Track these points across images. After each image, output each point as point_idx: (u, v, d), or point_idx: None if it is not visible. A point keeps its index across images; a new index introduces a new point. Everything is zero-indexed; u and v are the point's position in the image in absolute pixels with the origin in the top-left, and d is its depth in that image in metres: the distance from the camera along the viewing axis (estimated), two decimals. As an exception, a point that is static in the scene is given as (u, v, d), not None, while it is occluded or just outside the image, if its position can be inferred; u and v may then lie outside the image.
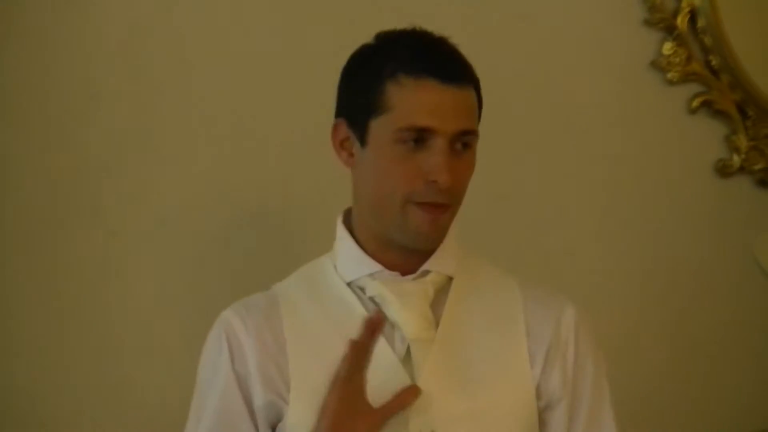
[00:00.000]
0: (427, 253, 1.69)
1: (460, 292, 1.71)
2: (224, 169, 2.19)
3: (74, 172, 2.12)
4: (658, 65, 2.43)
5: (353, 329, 1.59)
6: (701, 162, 2.49)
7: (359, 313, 1.66)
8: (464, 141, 1.63)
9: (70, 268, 2.12)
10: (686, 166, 2.48)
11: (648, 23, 2.42)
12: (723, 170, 2.49)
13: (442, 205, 1.63)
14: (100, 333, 2.13)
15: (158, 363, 2.15)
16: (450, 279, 1.71)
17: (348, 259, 1.71)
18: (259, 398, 1.66)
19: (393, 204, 1.63)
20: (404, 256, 1.68)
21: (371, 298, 1.68)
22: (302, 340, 1.68)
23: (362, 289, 1.69)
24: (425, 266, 1.69)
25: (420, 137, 1.61)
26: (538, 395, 1.69)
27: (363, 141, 1.65)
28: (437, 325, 1.67)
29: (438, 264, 1.69)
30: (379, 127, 1.63)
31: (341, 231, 1.72)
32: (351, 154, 1.68)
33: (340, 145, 1.69)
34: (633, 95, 2.44)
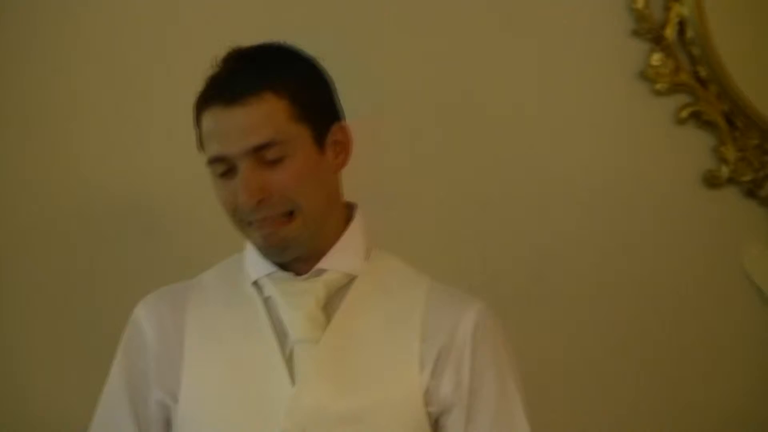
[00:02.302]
0: (321, 252, 1.69)
1: (361, 291, 1.71)
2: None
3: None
4: (646, 75, 2.42)
5: (251, 327, 1.67)
6: (689, 173, 2.48)
7: (259, 312, 1.69)
8: (267, 154, 1.62)
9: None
10: (674, 176, 2.47)
11: (636, 33, 2.41)
12: (711, 181, 2.48)
13: (278, 216, 1.64)
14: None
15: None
16: (353, 278, 1.71)
17: (251, 258, 1.73)
18: (155, 394, 1.69)
19: (234, 224, 1.67)
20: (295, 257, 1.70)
21: (268, 298, 1.70)
22: (201, 333, 1.70)
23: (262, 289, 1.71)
24: (319, 265, 1.69)
25: (227, 166, 1.63)
26: (429, 401, 1.67)
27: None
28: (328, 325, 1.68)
29: (333, 262, 1.70)
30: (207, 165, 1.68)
31: None
32: None
33: None
34: (621, 105, 2.43)
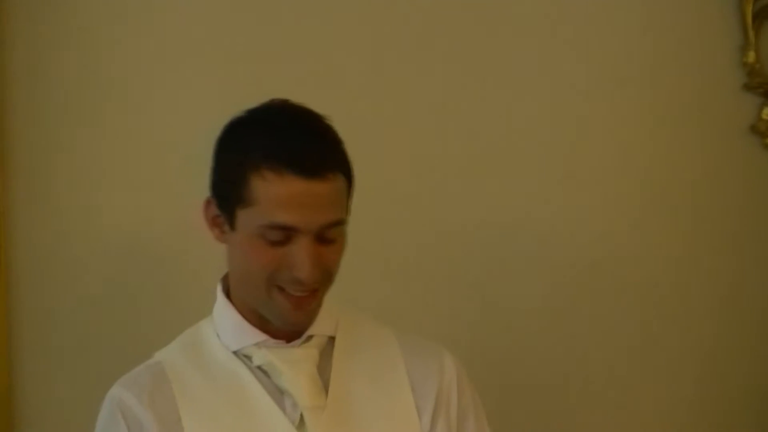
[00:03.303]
0: None
1: (343, 351, 1.72)
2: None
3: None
4: (757, 129, 2.43)
5: (245, 399, 1.65)
6: (800, 227, 2.47)
7: (249, 382, 1.67)
8: (331, 231, 1.61)
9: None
10: (785, 231, 2.47)
11: (747, 87, 2.42)
12: (821, 234, 2.47)
13: (310, 292, 1.63)
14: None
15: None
16: (331, 339, 1.72)
17: (231, 328, 1.70)
18: None
19: (258, 285, 1.62)
20: None
21: (259, 367, 1.68)
22: (197, 412, 1.66)
23: (248, 358, 1.69)
24: (309, 331, 1.69)
25: (285, 234, 1.59)
26: None
27: (232, 226, 1.65)
28: (326, 388, 1.68)
29: (320, 327, 1.70)
30: (246, 218, 1.62)
31: (221, 299, 1.72)
32: (223, 232, 1.67)
33: (213, 222, 1.68)
34: (731, 160, 2.44)
